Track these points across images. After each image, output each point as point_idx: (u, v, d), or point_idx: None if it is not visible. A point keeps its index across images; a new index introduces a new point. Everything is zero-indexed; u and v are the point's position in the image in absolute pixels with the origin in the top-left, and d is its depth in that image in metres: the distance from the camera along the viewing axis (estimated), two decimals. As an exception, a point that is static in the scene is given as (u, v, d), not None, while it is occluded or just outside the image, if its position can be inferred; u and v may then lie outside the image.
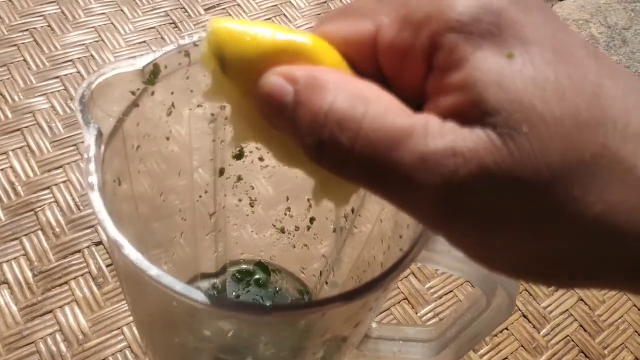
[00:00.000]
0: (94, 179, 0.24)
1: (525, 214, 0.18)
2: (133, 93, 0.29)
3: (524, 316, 0.52)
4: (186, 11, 0.66)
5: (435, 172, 0.18)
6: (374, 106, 0.19)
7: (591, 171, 0.17)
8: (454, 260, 0.27)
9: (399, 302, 0.50)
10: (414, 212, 0.19)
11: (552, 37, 0.18)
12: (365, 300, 0.25)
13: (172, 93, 0.31)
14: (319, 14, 0.68)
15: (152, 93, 0.30)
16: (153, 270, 0.22)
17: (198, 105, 0.33)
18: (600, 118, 0.18)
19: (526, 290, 0.54)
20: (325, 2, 0.69)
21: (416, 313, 0.50)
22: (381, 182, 0.19)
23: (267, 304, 0.22)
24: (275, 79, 0.20)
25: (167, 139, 0.33)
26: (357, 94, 0.19)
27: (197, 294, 0.22)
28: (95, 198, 0.24)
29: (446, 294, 0.52)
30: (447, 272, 0.29)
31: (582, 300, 0.54)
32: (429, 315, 0.51)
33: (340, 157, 0.19)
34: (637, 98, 0.18)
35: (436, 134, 0.18)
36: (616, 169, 0.18)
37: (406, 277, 0.52)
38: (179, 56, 0.30)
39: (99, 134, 0.26)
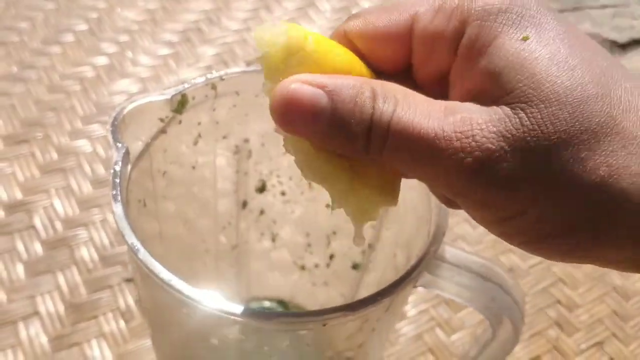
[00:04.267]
0: (117, 191, 0.26)
1: (536, 177, 0.20)
2: (162, 120, 0.31)
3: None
4: (228, 66, 0.70)
5: (454, 137, 0.20)
6: (402, 102, 0.21)
7: (597, 137, 0.19)
8: (458, 286, 0.28)
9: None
10: (438, 179, 0.21)
11: (566, 29, 0.21)
12: (366, 317, 0.26)
13: (198, 124, 0.33)
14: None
15: (180, 122, 0.32)
16: (164, 274, 0.23)
17: (223, 137, 0.34)
18: (607, 92, 0.20)
19: (555, 348, 0.53)
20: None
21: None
22: (412, 155, 0.21)
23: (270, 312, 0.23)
24: (299, 87, 0.21)
25: (193, 168, 0.35)
26: (402, 93, 0.21)
27: (205, 297, 0.23)
28: (118, 208, 0.26)
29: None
30: (451, 298, 0.29)
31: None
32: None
33: (381, 143, 0.21)
34: (636, 83, 0.21)
35: (454, 111, 0.20)
36: (620, 137, 0.20)
37: (432, 328, 0.52)
38: (206, 88, 0.32)
39: (127, 153, 0.28)
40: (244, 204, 0.39)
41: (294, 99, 0.21)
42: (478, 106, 0.20)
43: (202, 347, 0.28)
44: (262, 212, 0.39)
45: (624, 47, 0.91)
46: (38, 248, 0.53)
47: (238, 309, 0.23)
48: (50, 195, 0.57)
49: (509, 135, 0.19)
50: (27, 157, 0.59)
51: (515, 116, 0.20)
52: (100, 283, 0.52)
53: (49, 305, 0.50)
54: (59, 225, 0.55)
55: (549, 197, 0.20)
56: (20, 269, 0.52)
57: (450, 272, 0.27)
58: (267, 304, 0.45)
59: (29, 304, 0.50)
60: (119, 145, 0.28)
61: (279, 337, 0.26)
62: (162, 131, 0.31)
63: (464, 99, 0.21)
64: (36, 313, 0.50)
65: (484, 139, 0.20)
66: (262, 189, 0.38)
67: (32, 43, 0.70)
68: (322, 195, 0.41)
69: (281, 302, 0.45)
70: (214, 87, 0.32)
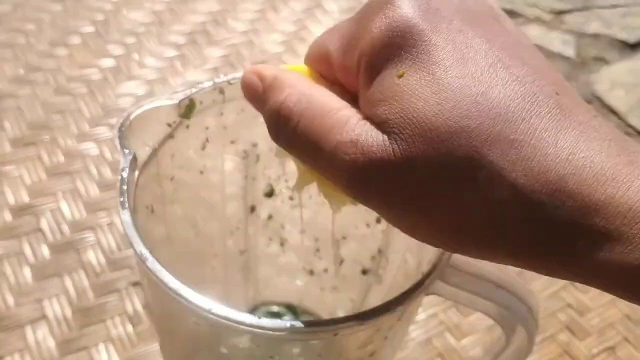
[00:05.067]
0: (125, 198, 0.26)
1: (404, 204, 0.21)
2: (169, 125, 0.31)
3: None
4: (234, 68, 0.70)
5: (342, 157, 0.22)
6: (314, 103, 0.23)
7: (461, 173, 0.20)
8: (472, 294, 0.27)
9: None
10: (338, 185, 0.23)
11: (452, 52, 0.21)
12: (378, 326, 0.25)
13: (206, 128, 0.33)
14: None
15: (187, 127, 0.31)
16: (174, 283, 0.23)
17: (231, 142, 0.34)
18: (474, 126, 0.20)
19: (566, 352, 0.53)
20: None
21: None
22: (315, 160, 0.23)
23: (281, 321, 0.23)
24: (250, 75, 0.26)
25: (201, 172, 0.34)
26: (304, 92, 0.24)
27: (215, 306, 0.22)
28: (125, 215, 0.25)
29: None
30: (464, 306, 0.29)
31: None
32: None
33: (287, 138, 0.24)
34: (517, 102, 0.21)
35: (350, 129, 0.22)
36: (484, 172, 0.20)
37: (441, 333, 0.52)
38: (213, 93, 0.32)
39: (134, 159, 0.28)
40: (252, 209, 0.38)
41: (245, 81, 0.26)
42: (369, 128, 0.22)
43: (211, 356, 0.27)
44: (270, 216, 0.39)
45: (635, 47, 0.91)
46: (45, 251, 0.53)
47: (248, 318, 0.23)
48: (57, 198, 0.57)
49: (381, 163, 0.21)
50: (34, 159, 0.59)
51: (390, 146, 0.21)
52: (108, 287, 0.52)
53: (57, 309, 0.50)
54: (66, 229, 0.55)
55: (416, 221, 0.22)
56: (27, 273, 0.52)
57: (464, 280, 0.27)
58: (275, 308, 0.45)
59: (36, 308, 0.50)
60: (126, 151, 0.28)
61: (289, 347, 0.25)
62: (170, 136, 0.31)
63: (364, 114, 0.23)
64: (44, 317, 0.50)
65: (362, 163, 0.21)
66: (270, 193, 0.37)
67: (38, 45, 0.70)
68: (332, 199, 0.40)
69: (290, 307, 0.45)
70: (221, 91, 0.31)
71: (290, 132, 0.24)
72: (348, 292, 0.40)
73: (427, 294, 0.27)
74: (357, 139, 0.22)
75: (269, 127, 0.25)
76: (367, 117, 0.23)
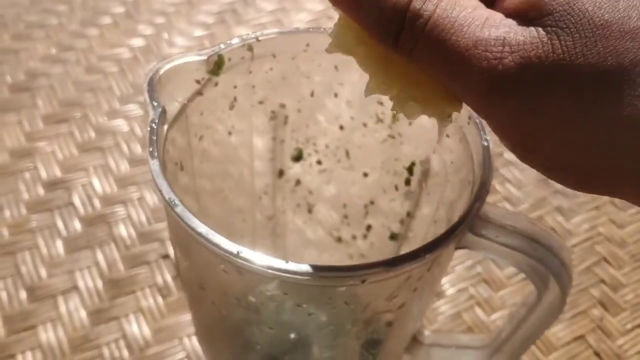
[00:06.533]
0: (154, 148, 0.26)
1: (558, 107, 0.19)
2: (198, 82, 0.31)
3: (597, 354, 0.50)
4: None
5: (484, 57, 0.20)
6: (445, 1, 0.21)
7: (627, 75, 0.19)
8: (503, 247, 0.27)
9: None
10: (464, 93, 0.21)
11: None
12: (407, 275, 0.25)
13: (234, 87, 0.33)
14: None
15: (216, 84, 0.31)
16: (202, 228, 0.23)
17: (259, 102, 0.34)
18: None
19: (599, 327, 0.52)
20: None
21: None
22: (442, 62, 0.21)
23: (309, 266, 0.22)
24: None
25: (230, 133, 0.34)
26: None
27: (243, 251, 0.22)
28: (154, 165, 0.25)
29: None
30: (495, 258, 0.28)
31: (658, 341, 0.51)
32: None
33: (412, 40, 0.21)
34: None
35: (492, 25, 0.20)
36: None
37: (471, 307, 0.51)
38: (242, 50, 0.31)
39: (164, 112, 0.28)
40: (280, 173, 0.38)
41: None
42: (516, 25, 0.20)
43: (239, 307, 0.27)
44: (298, 182, 0.39)
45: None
46: (77, 225, 0.54)
47: (275, 262, 0.23)
48: (89, 174, 0.57)
49: (537, 60, 0.19)
50: (66, 136, 0.60)
51: (549, 41, 0.19)
52: (138, 259, 0.52)
53: (88, 280, 0.51)
54: (97, 203, 0.56)
55: (566, 128, 0.19)
56: (59, 245, 0.52)
57: (495, 232, 0.26)
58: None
59: (68, 279, 0.51)
60: (155, 104, 0.28)
61: (317, 294, 0.25)
62: (199, 93, 0.31)
63: (508, 12, 0.21)
64: (75, 288, 0.50)
65: (512, 62, 0.19)
66: (298, 157, 0.37)
67: (70, 25, 0.70)
68: (359, 163, 0.40)
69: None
70: (250, 48, 0.31)
71: (417, 32, 0.21)
72: (376, 259, 0.40)
73: (457, 247, 0.27)
74: (503, 35, 0.20)
75: (386, 33, 0.22)
76: (514, 11, 0.21)
